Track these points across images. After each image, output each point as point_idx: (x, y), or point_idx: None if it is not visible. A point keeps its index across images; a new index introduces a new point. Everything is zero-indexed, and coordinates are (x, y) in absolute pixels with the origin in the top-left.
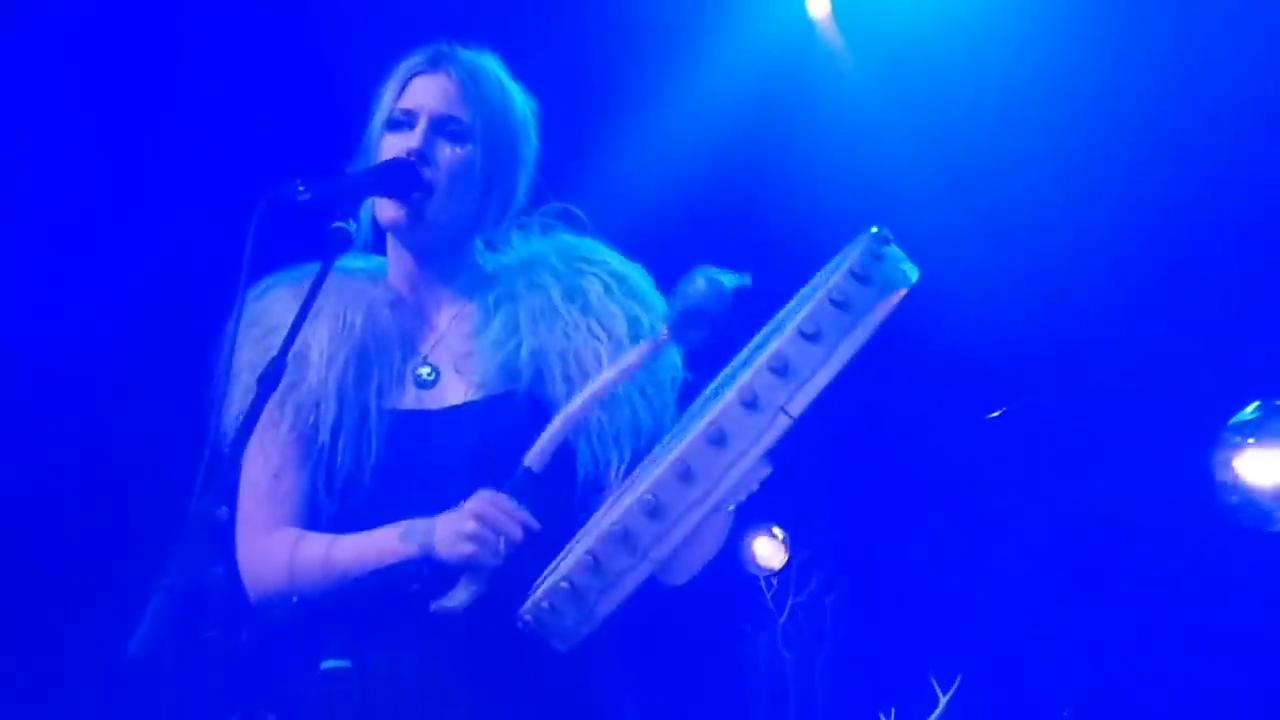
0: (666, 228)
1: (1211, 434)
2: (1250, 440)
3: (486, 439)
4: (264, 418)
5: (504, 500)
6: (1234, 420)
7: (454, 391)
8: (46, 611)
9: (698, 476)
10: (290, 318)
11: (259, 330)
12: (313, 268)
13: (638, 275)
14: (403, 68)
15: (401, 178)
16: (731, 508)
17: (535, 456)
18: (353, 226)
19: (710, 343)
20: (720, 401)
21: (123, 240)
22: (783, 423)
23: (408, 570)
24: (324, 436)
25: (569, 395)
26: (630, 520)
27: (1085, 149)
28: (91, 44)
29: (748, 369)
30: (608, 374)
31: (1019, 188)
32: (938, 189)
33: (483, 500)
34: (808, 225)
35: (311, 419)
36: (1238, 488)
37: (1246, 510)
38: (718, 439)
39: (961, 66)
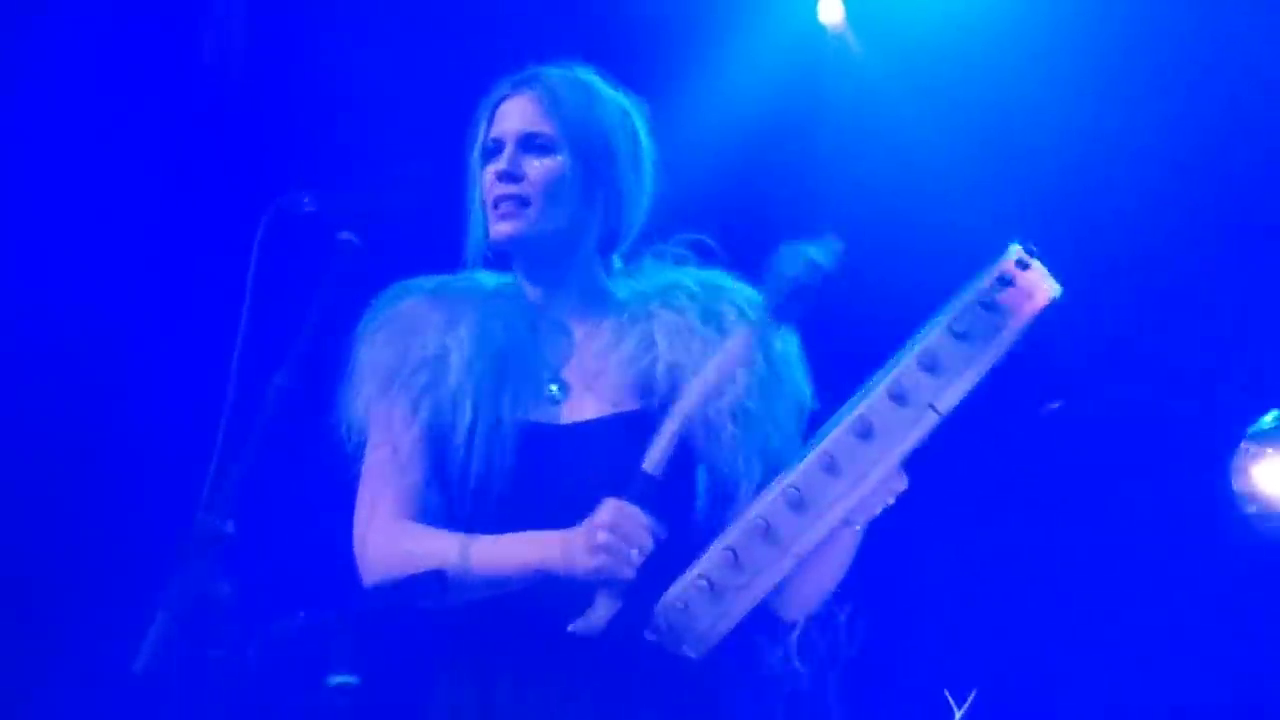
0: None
1: (1229, 442)
2: (1268, 449)
3: (617, 455)
4: (398, 413)
5: (633, 509)
6: (1252, 429)
7: (585, 408)
8: (51, 626)
9: (843, 470)
10: (424, 322)
11: (390, 331)
12: (446, 276)
13: None
14: (491, 98)
15: (403, 192)
16: (859, 527)
17: (653, 461)
18: (356, 240)
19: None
20: (868, 397)
21: (127, 247)
22: (930, 419)
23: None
24: (458, 440)
25: (703, 412)
26: (772, 513)
27: (1103, 150)
28: (107, 53)
29: (896, 365)
30: (714, 364)
31: (1035, 189)
32: (952, 193)
33: (612, 510)
34: (818, 229)
35: (448, 419)
36: (1255, 497)
37: (1264, 520)
38: (864, 433)
39: (974, 71)
